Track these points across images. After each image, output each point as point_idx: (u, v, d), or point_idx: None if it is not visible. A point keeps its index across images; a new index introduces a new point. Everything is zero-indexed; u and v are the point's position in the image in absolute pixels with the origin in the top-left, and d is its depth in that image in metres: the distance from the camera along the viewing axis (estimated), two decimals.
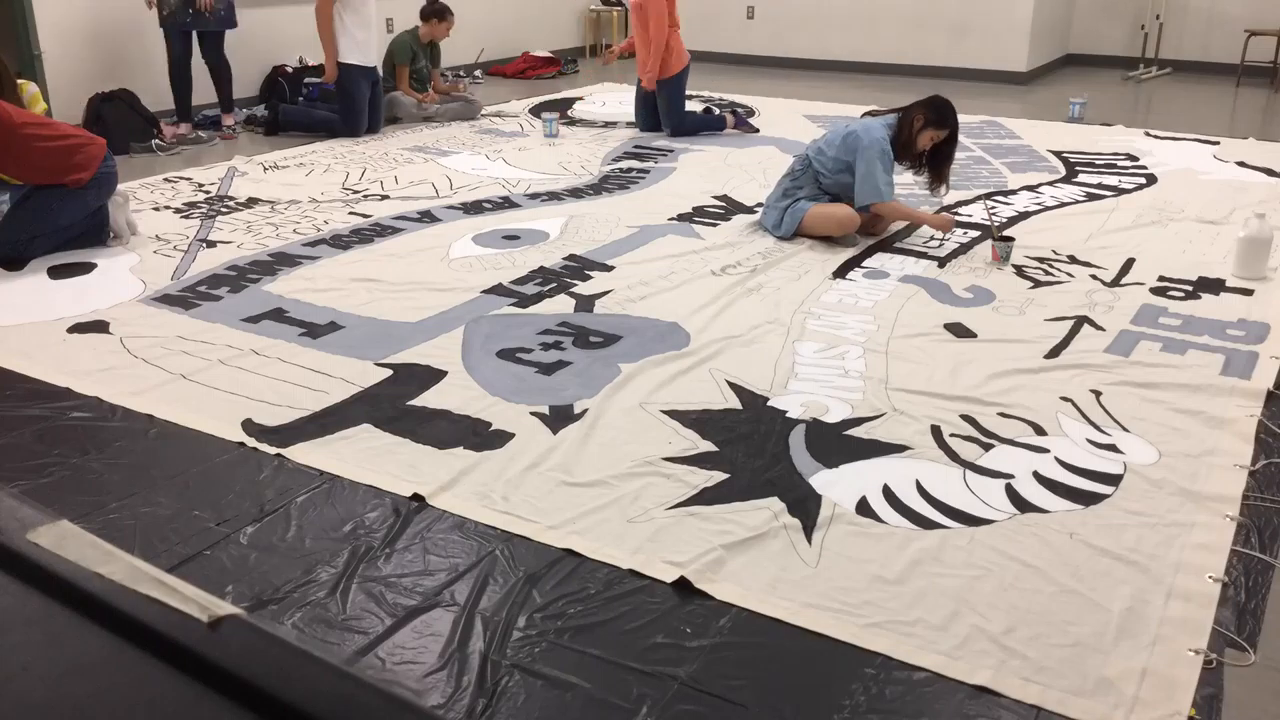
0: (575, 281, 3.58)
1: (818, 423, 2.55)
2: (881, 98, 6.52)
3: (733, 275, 3.64)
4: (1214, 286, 3.52)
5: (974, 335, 3.10)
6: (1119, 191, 4.79)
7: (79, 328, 3.21)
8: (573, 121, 6.58)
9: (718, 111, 6.28)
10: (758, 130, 6.16)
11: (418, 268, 3.74)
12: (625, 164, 5.39)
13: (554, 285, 3.54)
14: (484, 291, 3.48)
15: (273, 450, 2.42)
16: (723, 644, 1.77)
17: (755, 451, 2.40)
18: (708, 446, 2.43)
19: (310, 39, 6.14)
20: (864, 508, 2.18)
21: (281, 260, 3.84)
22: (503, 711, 1.61)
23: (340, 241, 4.06)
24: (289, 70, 6.80)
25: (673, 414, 2.59)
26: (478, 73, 8.43)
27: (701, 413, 2.60)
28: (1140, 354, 2.96)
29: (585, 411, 2.59)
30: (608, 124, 6.50)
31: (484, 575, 1.95)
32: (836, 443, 2.45)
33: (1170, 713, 1.61)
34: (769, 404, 2.65)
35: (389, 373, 2.85)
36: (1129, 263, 3.77)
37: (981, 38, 8.08)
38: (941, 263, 3.79)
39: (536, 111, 6.88)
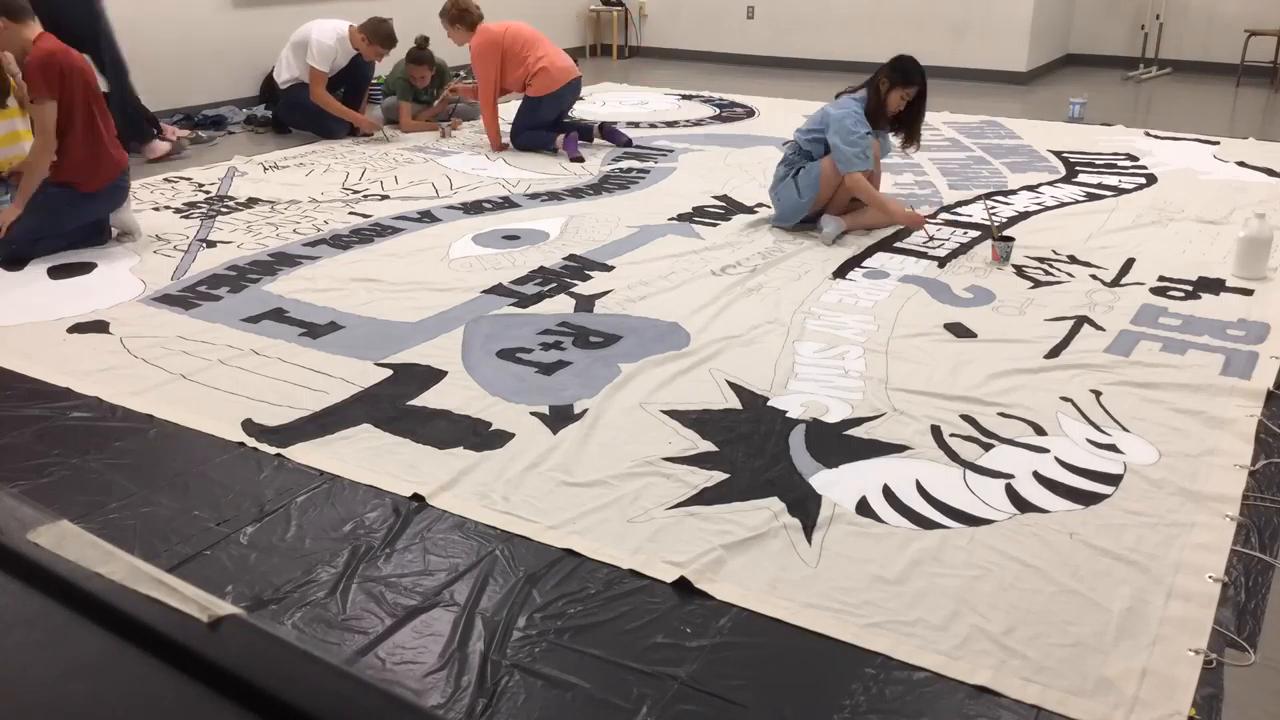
0: (575, 281, 3.58)
1: (818, 423, 2.55)
2: None
3: (733, 275, 3.64)
4: (1214, 286, 3.52)
5: (974, 335, 3.10)
6: (1119, 191, 4.79)
7: (79, 328, 3.21)
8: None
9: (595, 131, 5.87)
10: (630, 141, 5.85)
11: (418, 268, 3.74)
12: (625, 164, 5.39)
13: (554, 285, 3.55)
14: (484, 291, 3.48)
15: (273, 450, 2.43)
16: (723, 644, 1.77)
17: (755, 451, 2.40)
18: (708, 446, 2.43)
19: None
20: (864, 508, 2.18)
21: (281, 260, 3.84)
22: (503, 711, 1.61)
23: (340, 241, 4.07)
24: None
25: (673, 414, 2.59)
26: None
27: (701, 413, 2.60)
28: (1140, 354, 2.96)
29: (585, 411, 2.59)
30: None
31: (484, 575, 1.95)
32: (836, 443, 2.45)
33: (1170, 713, 1.61)
34: (769, 404, 2.65)
35: (389, 373, 2.85)
36: (1129, 263, 3.77)
37: (981, 38, 8.08)
38: (941, 263, 3.79)
39: None
